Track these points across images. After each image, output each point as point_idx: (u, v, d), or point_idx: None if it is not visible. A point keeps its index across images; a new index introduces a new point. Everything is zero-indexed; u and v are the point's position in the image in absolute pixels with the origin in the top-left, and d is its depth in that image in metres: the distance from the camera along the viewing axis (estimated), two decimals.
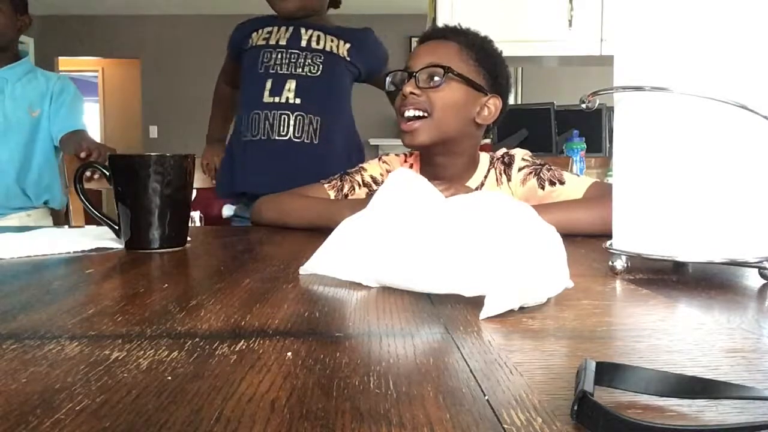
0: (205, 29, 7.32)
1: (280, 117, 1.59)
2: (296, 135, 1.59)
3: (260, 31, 1.67)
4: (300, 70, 1.61)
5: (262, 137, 1.60)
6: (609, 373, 0.32)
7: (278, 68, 1.61)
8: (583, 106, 0.69)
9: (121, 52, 7.60)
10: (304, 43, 1.63)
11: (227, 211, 1.78)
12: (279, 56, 1.62)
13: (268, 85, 1.60)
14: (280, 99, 1.59)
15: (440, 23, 2.68)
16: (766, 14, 0.59)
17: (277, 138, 1.59)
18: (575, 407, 0.28)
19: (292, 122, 1.59)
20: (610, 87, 0.65)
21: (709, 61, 0.60)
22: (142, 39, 7.47)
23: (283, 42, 1.63)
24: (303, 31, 1.64)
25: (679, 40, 0.61)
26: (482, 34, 1.15)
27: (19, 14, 1.93)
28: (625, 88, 0.64)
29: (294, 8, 1.63)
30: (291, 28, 1.64)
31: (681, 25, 0.61)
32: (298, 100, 1.60)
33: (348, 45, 1.66)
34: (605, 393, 0.31)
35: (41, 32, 6.93)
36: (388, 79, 1.15)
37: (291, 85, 1.60)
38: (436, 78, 1.06)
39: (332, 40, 1.65)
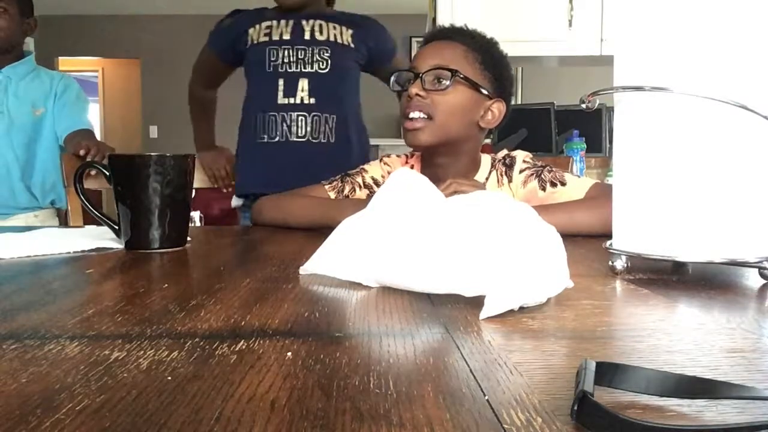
0: (205, 29, 7.29)
1: (297, 118, 1.59)
2: (314, 136, 1.60)
3: (257, 27, 1.64)
4: (309, 67, 1.60)
5: (280, 139, 1.60)
6: (609, 373, 0.32)
7: (287, 66, 1.60)
8: (583, 106, 0.69)
9: (121, 52, 7.59)
10: (308, 36, 1.62)
11: (236, 201, 1.75)
12: (286, 53, 1.60)
13: (281, 85, 1.59)
14: (294, 100, 1.59)
15: (440, 23, 2.68)
16: (766, 14, 0.59)
17: (295, 140, 1.59)
18: (575, 407, 0.28)
19: (309, 123, 1.59)
20: (610, 87, 0.65)
21: (709, 61, 0.60)
22: (142, 39, 7.46)
23: (286, 36, 1.61)
24: (304, 22, 1.62)
25: (679, 40, 0.61)
26: (488, 35, 1.15)
27: (25, 17, 1.93)
28: (625, 88, 0.64)
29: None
30: (291, 21, 1.62)
31: (681, 25, 0.61)
32: (312, 100, 1.60)
33: (351, 31, 1.65)
34: (605, 393, 0.31)
35: (41, 32, 6.90)
36: (392, 78, 1.14)
37: (303, 84, 1.60)
38: (443, 81, 1.06)
39: (334, 27, 1.64)
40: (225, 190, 1.79)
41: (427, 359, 0.37)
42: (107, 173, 0.87)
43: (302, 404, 0.30)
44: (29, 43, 6.73)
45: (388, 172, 1.18)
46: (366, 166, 1.21)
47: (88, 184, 1.53)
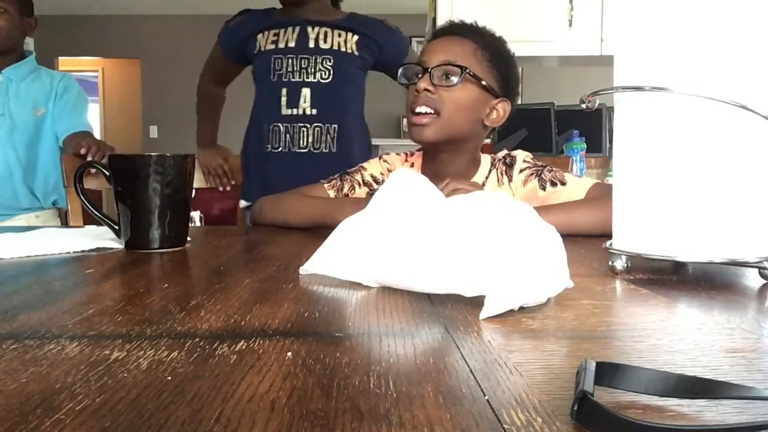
0: (205, 29, 7.29)
1: (300, 130, 1.62)
2: (315, 146, 1.63)
3: (266, 33, 1.66)
4: (312, 77, 1.62)
5: (283, 150, 1.63)
6: (609, 373, 0.32)
7: (291, 76, 1.62)
8: (583, 106, 0.69)
9: (121, 52, 7.59)
10: (312, 44, 1.63)
11: (244, 203, 1.75)
12: (290, 62, 1.62)
13: (284, 94, 1.62)
14: (297, 111, 1.62)
15: (440, 23, 2.68)
16: (766, 14, 0.59)
17: (297, 150, 1.63)
18: (575, 407, 0.28)
19: (311, 134, 1.62)
20: (610, 87, 0.65)
21: (709, 61, 0.60)
22: (142, 39, 7.46)
23: (292, 44, 1.63)
24: (310, 29, 1.64)
25: (679, 40, 0.61)
26: (497, 33, 1.15)
27: (24, 16, 1.92)
28: (625, 88, 0.64)
29: None
30: (297, 28, 1.64)
31: (681, 25, 0.61)
32: (314, 111, 1.62)
33: (356, 37, 1.66)
34: (605, 393, 0.31)
35: (41, 32, 6.90)
36: (400, 71, 1.14)
37: (306, 94, 1.62)
38: (452, 77, 1.06)
39: (339, 35, 1.65)
40: (221, 189, 1.79)
41: (427, 359, 0.37)
42: (107, 173, 0.87)
43: (302, 404, 0.30)
44: (29, 43, 6.73)
45: (388, 170, 1.18)
46: (365, 164, 1.21)
47: (88, 184, 1.53)
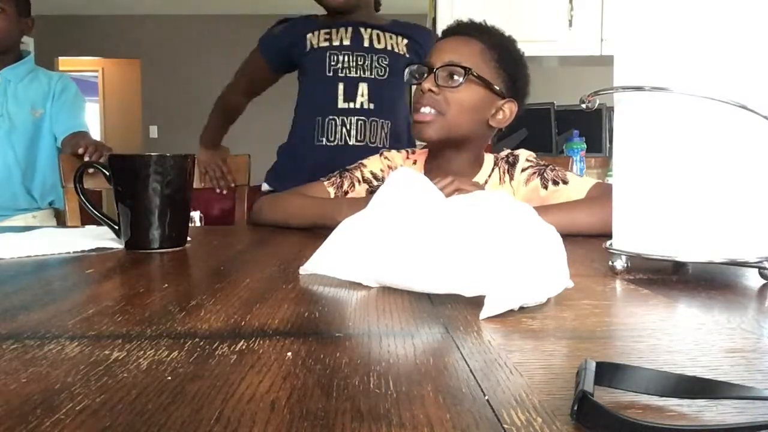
0: (205, 29, 7.32)
1: (357, 123, 1.64)
2: (371, 140, 1.65)
3: (316, 33, 1.67)
4: (369, 72, 1.64)
5: (339, 143, 1.64)
6: (609, 373, 0.32)
7: (347, 71, 1.64)
8: (583, 106, 0.69)
9: (121, 52, 7.59)
10: (366, 43, 1.66)
11: (267, 186, 1.73)
12: (346, 58, 1.64)
13: (341, 89, 1.63)
14: (354, 104, 1.64)
15: (440, 23, 2.68)
16: (766, 14, 0.59)
17: (354, 144, 1.64)
18: (575, 407, 0.28)
19: (367, 128, 1.64)
20: (610, 87, 0.65)
21: (709, 61, 0.60)
22: (142, 39, 7.46)
23: (347, 42, 1.65)
24: (362, 30, 1.66)
25: (679, 40, 0.61)
26: (507, 33, 1.14)
27: (22, 16, 1.92)
28: (625, 88, 0.64)
29: (342, 0, 1.64)
30: (350, 28, 1.66)
31: (681, 25, 0.61)
32: (371, 105, 1.64)
33: (406, 41, 1.70)
34: (605, 393, 0.31)
35: (41, 32, 6.88)
36: (407, 71, 1.14)
37: (363, 89, 1.63)
38: (456, 78, 1.06)
39: (391, 37, 1.68)
40: (218, 191, 1.79)
41: (427, 359, 0.37)
42: (107, 173, 0.87)
43: (302, 404, 0.30)
44: (29, 43, 6.73)
45: (388, 167, 1.18)
46: (365, 161, 1.21)
47: (88, 184, 1.53)
